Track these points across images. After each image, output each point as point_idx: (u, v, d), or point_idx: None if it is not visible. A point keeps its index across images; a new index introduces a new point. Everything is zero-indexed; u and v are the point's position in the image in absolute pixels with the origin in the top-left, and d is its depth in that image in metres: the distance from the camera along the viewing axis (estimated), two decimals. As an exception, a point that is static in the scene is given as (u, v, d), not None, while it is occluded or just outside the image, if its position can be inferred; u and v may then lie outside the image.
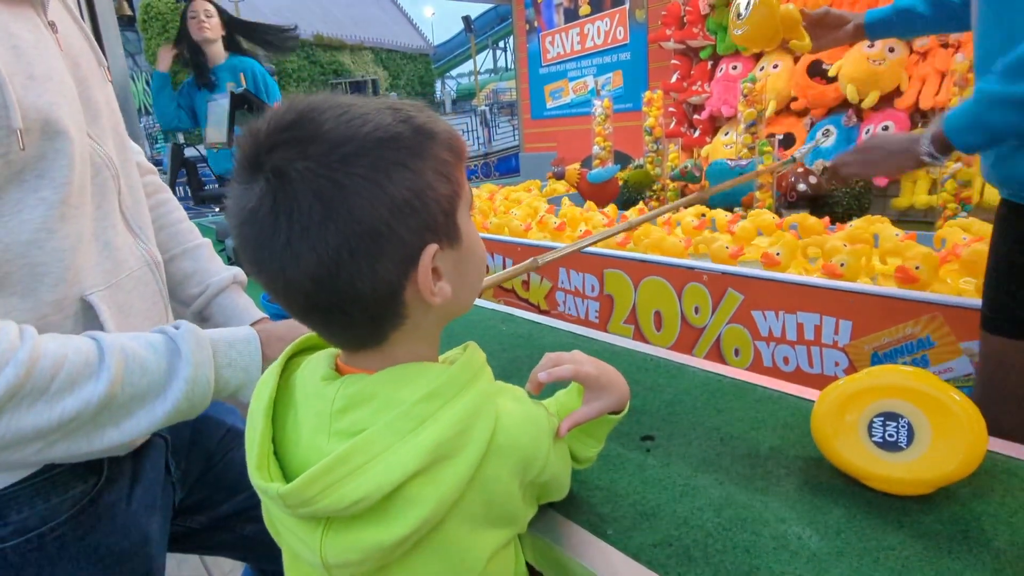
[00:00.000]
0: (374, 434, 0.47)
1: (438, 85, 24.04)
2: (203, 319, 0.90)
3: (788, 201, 2.84)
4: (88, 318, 0.65)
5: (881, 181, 2.92)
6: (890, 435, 0.70)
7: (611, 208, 2.71)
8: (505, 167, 8.36)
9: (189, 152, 2.75)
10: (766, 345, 1.66)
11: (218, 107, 2.19)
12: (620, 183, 3.49)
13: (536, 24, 4.82)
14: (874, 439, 0.71)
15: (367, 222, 0.44)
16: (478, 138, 13.32)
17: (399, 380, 0.50)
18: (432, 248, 0.47)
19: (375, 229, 0.44)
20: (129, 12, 3.81)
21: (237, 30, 2.74)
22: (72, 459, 0.61)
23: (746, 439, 0.86)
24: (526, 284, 2.40)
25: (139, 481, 0.72)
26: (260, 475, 0.48)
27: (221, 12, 2.75)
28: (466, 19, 13.34)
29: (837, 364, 1.52)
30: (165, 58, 2.79)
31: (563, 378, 0.60)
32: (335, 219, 0.44)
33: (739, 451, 0.83)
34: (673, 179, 3.23)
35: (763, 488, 0.74)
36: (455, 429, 0.48)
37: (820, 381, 0.77)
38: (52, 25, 0.64)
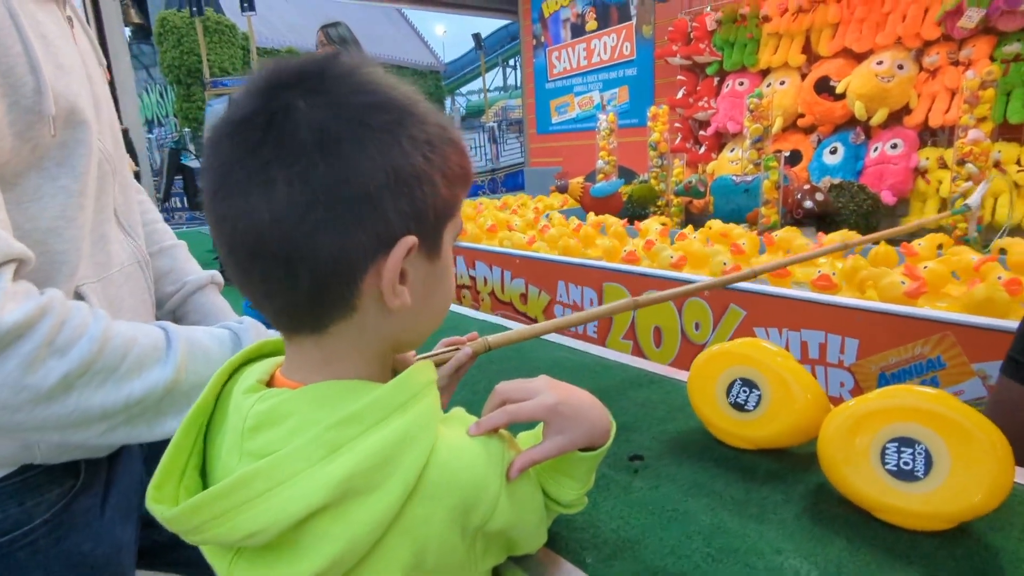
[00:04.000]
0: (280, 459, 0.40)
1: (448, 102, 24.23)
2: (177, 318, 0.88)
3: (794, 218, 2.78)
4: None
5: (889, 199, 2.86)
6: (905, 463, 0.64)
7: (653, 224, 2.63)
8: (512, 183, 8.36)
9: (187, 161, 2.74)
10: (769, 363, 1.59)
11: (215, 113, 2.17)
12: (624, 198, 3.44)
13: (543, 39, 4.82)
14: (887, 467, 0.65)
15: (360, 180, 0.40)
16: (486, 154, 13.37)
17: (320, 399, 0.44)
18: (411, 241, 0.43)
19: (365, 191, 0.40)
20: (137, 20, 3.82)
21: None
22: (136, 440, 0.61)
23: (742, 461, 0.79)
24: (524, 297, 2.34)
25: (114, 487, 0.70)
26: (155, 493, 0.42)
27: (330, 36, 3.09)
28: (476, 37, 13.39)
29: (843, 384, 1.45)
30: None
31: (498, 427, 0.50)
32: (329, 162, 0.39)
33: (734, 474, 0.76)
34: (677, 194, 3.18)
35: (759, 515, 0.67)
36: (373, 460, 0.41)
37: None
38: (69, 20, 0.66)
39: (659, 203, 3.44)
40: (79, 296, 0.63)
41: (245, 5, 10.34)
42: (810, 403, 0.76)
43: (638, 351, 1.94)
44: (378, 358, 0.49)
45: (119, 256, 0.70)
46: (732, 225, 2.46)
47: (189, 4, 12.04)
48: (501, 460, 0.48)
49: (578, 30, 4.55)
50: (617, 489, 0.74)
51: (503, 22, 5.48)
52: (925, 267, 1.68)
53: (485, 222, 2.71)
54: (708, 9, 3.71)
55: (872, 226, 2.79)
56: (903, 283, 1.51)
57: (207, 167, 0.43)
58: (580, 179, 3.36)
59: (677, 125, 3.87)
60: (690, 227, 2.48)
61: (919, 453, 0.63)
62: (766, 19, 3.43)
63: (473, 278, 2.54)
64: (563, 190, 3.37)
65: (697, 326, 1.76)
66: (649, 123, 3.44)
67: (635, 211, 3.39)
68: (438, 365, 0.77)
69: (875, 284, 1.60)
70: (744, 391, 0.80)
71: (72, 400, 0.53)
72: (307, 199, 0.40)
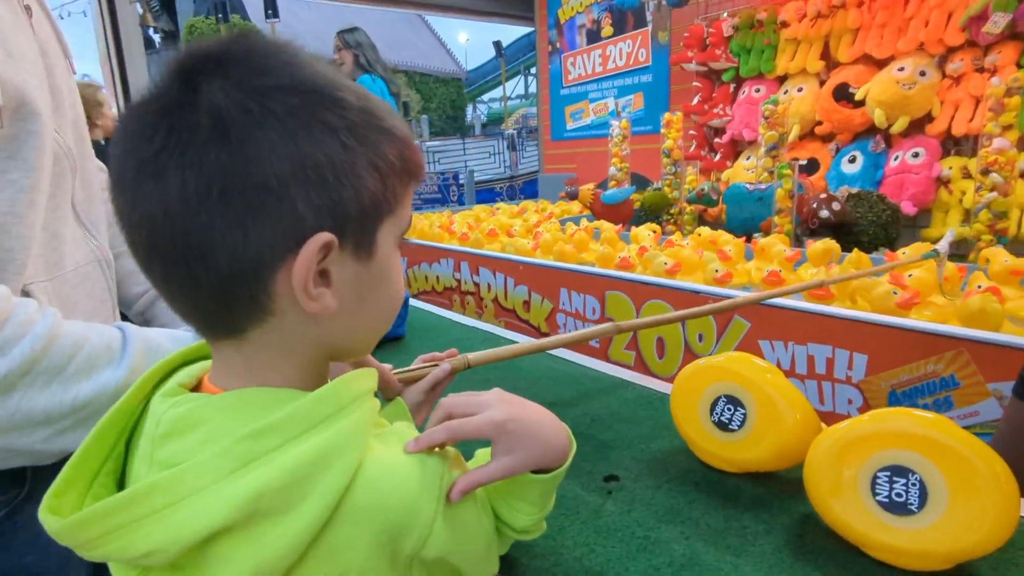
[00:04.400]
0: (184, 472, 0.37)
1: (469, 109, 24.36)
2: (146, 320, 0.86)
3: (810, 228, 2.70)
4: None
5: (910, 209, 2.76)
6: (898, 494, 0.58)
7: (644, 231, 2.58)
8: (530, 190, 8.36)
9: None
10: (774, 378, 1.52)
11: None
12: (636, 205, 3.38)
13: (558, 45, 4.78)
14: (878, 498, 0.59)
15: (261, 169, 0.36)
16: (504, 161, 13.46)
17: (236, 407, 0.40)
18: (324, 238, 0.39)
19: (265, 181, 0.37)
20: (153, 23, 3.87)
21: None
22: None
23: (725, 485, 0.73)
24: (527, 305, 2.29)
25: None
26: (52, 502, 0.38)
27: (346, 41, 3.23)
28: (497, 44, 13.48)
29: (851, 402, 1.38)
30: None
31: (438, 444, 0.45)
32: (226, 149, 0.36)
33: (714, 499, 0.71)
34: (690, 202, 3.11)
35: (736, 547, 0.62)
36: (287, 478, 0.37)
37: (831, 420, 0.66)
38: (27, 9, 0.63)
39: (672, 211, 3.37)
40: (27, 295, 0.60)
41: (269, 12, 10.53)
42: (799, 424, 0.71)
43: (640, 362, 1.88)
44: (309, 366, 0.45)
45: (74, 255, 0.67)
46: (720, 232, 2.40)
47: (215, 11, 12.27)
48: (439, 481, 0.43)
49: (594, 36, 4.50)
50: (587, 512, 0.69)
51: (525, 30, 5.48)
52: (910, 275, 1.62)
53: (486, 227, 2.67)
54: (725, 15, 3.64)
55: (891, 237, 2.70)
56: (895, 293, 1.44)
57: (110, 157, 0.39)
58: (591, 186, 3.31)
59: (692, 132, 3.80)
60: (678, 234, 2.42)
61: (913, 484, 0.57)
62: (784, 25, 3.36)
63: (477, 284, 2.50)
64: (573, 196, 3.32)
65: (701, 338, 1.70)
66: (663, 130, 3.38)
67: (647, 219, 3.32)
68: (414, 381, 0.73)
69: (866, 294, 1.52)
70: (728, 409, 0.74)
71: (13, 401, 0.51)
72: (200, 190, 0.36)
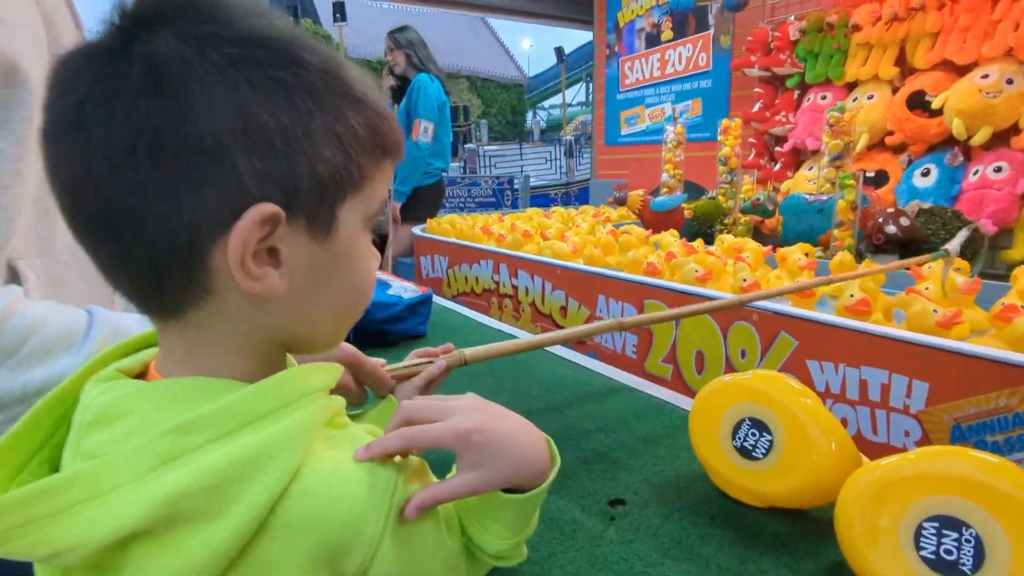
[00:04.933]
0: (102, 466, 0.33)
1: (529, 115, 24.45)
2: None
3: (874, 244, 2.51)
4: (12, 284, 0.59)
5: (990, 228, 2.54)
6: (948, 551, 0.49)
7: (669, 236, 2.48)
8: (585, 197, 8.28)
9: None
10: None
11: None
12: (688, 214, 3.25)
13: (616, 49, 4.68)
14: (923, 553, 0.49)
15: (194, 126, 0.32)
16: (561, 167, 13.47)
17: (168, 397, 0.36)
18: (267, 210, 0.34)
19: (201, 141, 0.32)
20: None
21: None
22: None
23: (744, 520, 0.65)
24: (564, 310, 2.21)
25: None
26: None
27: (398, 40, 3.34)
28: (559, 51, 13.44)
29: (908, 434, 1.25)
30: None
31: (391, 452, 0.39)
32: (154, 98, 0.32)
33: (730, 535, 0.62)
34: (744, 212, 2.96)
35: (748, 597, 0.53)
36: (211, 480, 0.33)
37: (884, 452, 0.57)
38: None
39: (725, 221, 3.22)
40: (12, 271, 0.58)
41: (337, 16, 10.82)
42: (833, 455, 0.61)
43: (678, 376, 1.78)
44: (259, 355, 0.40)
45: (67, 232, 0.67)
46: (745, 239, 2.27)
47: (287, 13, 12.72)
48: (390, 494, 0.38)
49: (653, 40, 4.38)
50: (584, 539, 0.62)
51: (588, 37, 5.41)
52: (927, 288, 1.49)
53: (523, 229, 2.61)
54: (791, 18, 3.47)
55: (966, 258, 2.48)
56: (936, 311, 1.30)
57: (48, 98, 0.35)
58: (640, 192, 3.20)
59: (751, 140, 3.63)
60: (700, 240, 2.29)
61: (967, 540, 0.48)
62: (856, 28, 3.16)
63: (515, 287, 2.44)
64: (621, 202, 3.22)
65: (743, 353, 1.58)
66: (720, 137, 3.24)
67: (699, 228, 3.19)
68: (408, 378, 0.69)
69: (904, 311, 1.38)
70: (753, 434, 0.66)
71: None
72: (126, 147, 0.32)
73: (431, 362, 0.68)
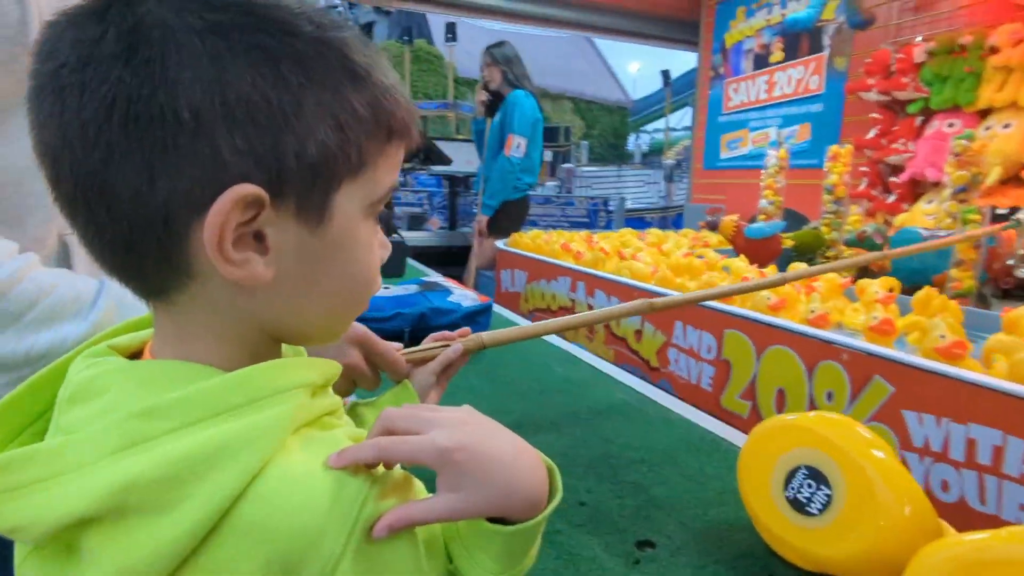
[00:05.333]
0: (68, 444, 0.32)
1: (632, 138, 24.26)
2: None
3: (1002, 289, 2.24)
4: (63, 258, 0.61)
5: None
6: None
7: (739, 262, 2.33)
8: (683, 222, 8.06)
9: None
10: (918, 459, 1.23)
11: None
12: (787, 244, 3.04)
13: (721, 71, 4.52)
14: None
15: (169, 96, 0.30)
16: (659, 191, 13.25)
17: (145, 378, 0.35)
18: (244, 190, 0.32)
19: (176, 113, 0.31)
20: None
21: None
22: None
23: (789, 584, 0.56)
24: (639, 335, 2.12)
25: None
26: None
27: (494, 56, 3.38)
28: (665, 73, 13.21)
29: (1023, 508, 1.07)
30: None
31: (362, 462, 0.35)
32: (128, 65, 0.30)
33: (769, 600, 0.54)
34: (848, 244, 2.73)
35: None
36: (166, 471, 0.31)
37: (991, 524, 0.47)
38: None
39: (828, 254, 2.99)
40: (64, 246, 0.60)
41: (449, 36, 11.25)
42: (904, 521, 0.52)
43: (756, 415, 1.65)
44: (246, 345, 0.38)
45: None
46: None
47: (403, 34, 13.43)
48: (357, 508, 0.34)
49: (761, 61, 4.19)
50: (599, 581, 0.56)
51: (696, 61, 5.29)
52: None
53: (601, 245, 2.54)
54: (919, 39, 3.20)
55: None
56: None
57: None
58: (735, 217, 3.04)
59: (863, 169, 3.36)
60: (773, 267, 2.12)
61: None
62: (993, 50, 2.86)
63: (591, 307, 2.38)
64: (713, 227, 3.07)
65: (830, 396, 1.43)
66: (827, 163, 3.02)
67: (797, 259, 2.98)
68: (424, 362, 0.66)
69: (1007, 356, 1.18)
70: (808, 485, 0.57)
71: None
72: (99, 116, 0.31)
73: (447, 346, 0.64)
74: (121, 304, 0.56)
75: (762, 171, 3.27)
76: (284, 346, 0.43)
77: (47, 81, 0.32)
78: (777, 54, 4.09)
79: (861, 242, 2.63)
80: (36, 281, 0.52)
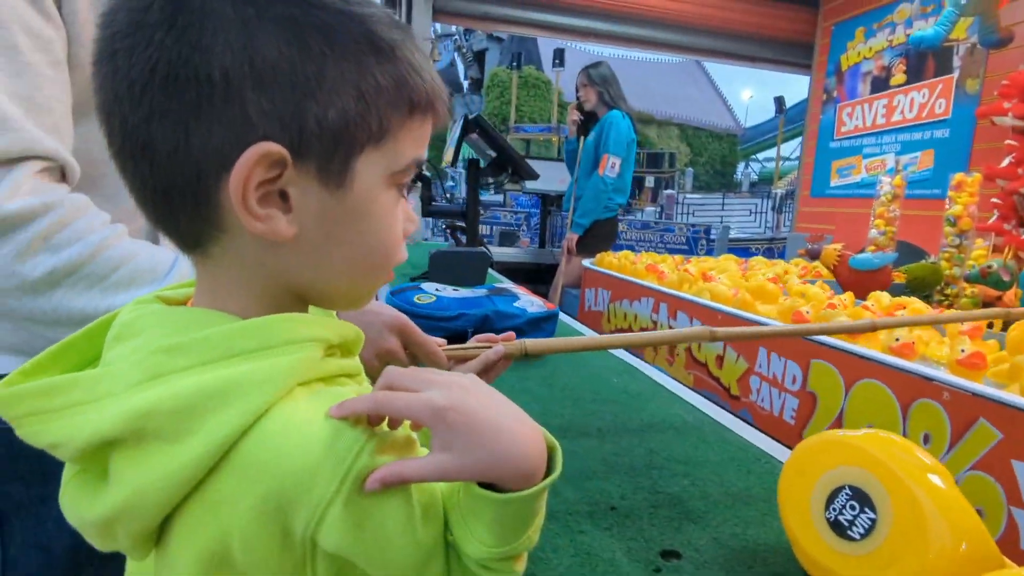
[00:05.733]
0: (104, 375, 0.36)
1: (740, 166, 23.44)
2: None
3: None
4: (151, 232, 0.69)
5: None
6: None
7: (815, 290, 2.15)
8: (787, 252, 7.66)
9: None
10: (1028, 517, 1.09)
11: (454, 130, 2.35)
12: (899, 278, 2.80)
13: (835, 94, 4.27)
14: None
15: (204, 59, 0.34)
16: (766, 221, 12.73)
17: (174, 322, 0.38)
18: (265, 148, 0.35)
19: (209, 74, 0.34)
20: (438, 57, 4.43)
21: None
22: None
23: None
24: (720, 360, 2.03)
25: None
26: (16, 376, 0.38)
27: (591, 77, 3.36)
28: (779, 100, 12.72)
29: None
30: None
31: (360, 413, 0.36)
32: (169, 31, 0.34)
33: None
34: (970, 281, 2.48)
35: None
36: (179, 403, 0.33)
37: None
38: None
39: (947, 291, 2.73)
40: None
41: (556, 62, 11.46)
42: (961, 558, 0.46)
43: (842, 454, 1.51)
44: (271, 300, 0.41)
45: None
46: (911, 298, 1.87)
47: (513, 60, 13.81)
48: (350, 458, 0.35)
49: (880, 84, 3.93)
50: (611, 583, 0.54)
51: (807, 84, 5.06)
52: None
53: (686, 267, 2.45)
54: (1066, 59, 2.89)
55: None
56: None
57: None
58: (838, 246, 2.83)
59: (995, 200, 3.05)
60: (850, 294, 1.92)
61: None
62: None
63: (672, 328, 2.30)
64: (814, 256, 2.87)
65: (927, 439, 1.30)
66: (951, 193, 2.77)
67: (911, 295, 2.73)
68: (465, 360, 0.67)
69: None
70: (852, 507, 0.52)
71: (56, 297, 0.56)
72: (144, 77, 0.35)
73: (489, 347, 0.65)
74: (190, 275, 0.61)
75: (874, 199, 3.05)
76: (314, 309, 0.45)
77: (105, 46, 0.36)
78: (899, 76, 3.82)
79: (985, 278, 2.37)
80: (120, 249, 0.58)
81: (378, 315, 0.64)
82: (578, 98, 3.48)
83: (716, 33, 5.41)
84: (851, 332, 1.44)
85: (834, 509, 0.53)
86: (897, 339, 1.41)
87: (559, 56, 10.88)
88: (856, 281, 2.77)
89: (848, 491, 0.53)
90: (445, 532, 0.41)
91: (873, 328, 1.30)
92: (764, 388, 1.82)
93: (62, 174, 0.59)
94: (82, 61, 0.60)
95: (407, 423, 0.41)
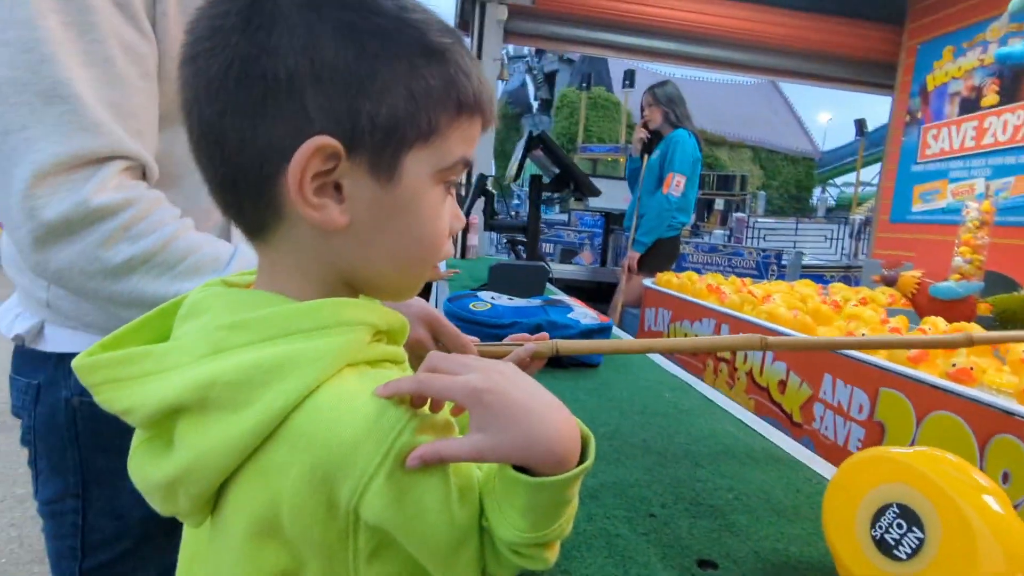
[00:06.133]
0: (173, 348, 0.40)
1: (817, 191, 22.56)
2: None
3: None
4: (224, 230, 0.75)
5: None
6: None
7: (868, 312, 2.03)
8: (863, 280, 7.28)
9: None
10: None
11: (518, 146, 2.39)
12: (985, 310, 2.63)
13: (919, 116, 4.07)
14: None
15: (271, 60, 0.37)
16: (842, 248, 12.18)
17: (236, 302, 0.42)
18: (321, 141, 0.38)
19: (275, 74, 0.37)
20: (506, 77, 4.51)
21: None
22: None
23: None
24: (783, 385, 1.96)
25: None
26: (92, 348, 0.42)
27: (656, 96, 3.36)
28: (859, 123, 12.19)
29: None
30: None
31: (403, 393, 0.38)
32: (243, 35, 0.38)
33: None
34: (1066, 315, 2.30)
35: None
36: (240, 375, 0.37)
37: None
38: None
39: (1040, 325, 2.54)
40: (228, 221, 0.75)
41: (626, 83, 11.43)
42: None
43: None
44: (324, 285, 0.45)
45: None
46: (970, 325, 1.73)
47: (582, 81, 13.89)
48: (393, 435, 0.37)
49: (970, 105, 3.72)
50: (643, 586, 0.54)
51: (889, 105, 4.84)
52: None
53: (751, 289, 2.38)
54: None
55: None
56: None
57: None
58: (917, 273, 2.69)
59: (1098, 229, 2.83)
60: (901, 318, 1.79)
61: None
62: None
63: (733, 352, 2.24)
64: (890, 283, 2.74)
65: (1006, 477, 1.21)
66: (1046, 220, 2.59)
67: (999, 328, 2.56)
68: (497, 357, 0.68)
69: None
70: (899, 526, 0.51)
71: (132, 282, 0.62)
72: (220, 75, 0.39)
73: (521, 345, 0.66)
74: (249, 265, 0.66)
75: (959, 226, 2.89)
76: (362, 297, 0.48)
77: (188, 50, 0.41)
78: (991, 97, 3.61)
79: (1083, 312, 2.20)
80: (188, 240, 0.64)
81: (408, 306, 0.67)
82: (643, 117, 3.47)
83: (792, 53, 5.28)
84: (915, 347, 1.36)
85: (880, 527, 0.51)
86: (954, 364, 1.33)
87: (629, 77, 10.87)
88: (937, 311, 2.62)
89: (896, 509, 0.51)
90: (480, 518, 0.42)
91: (971, 342, 1.22)
92: (828, 416, 1.74)
93: (143, 173, 0.65)
94: (170, 74, 0.66)
95: (447, 409, 0.43)
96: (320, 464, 0.36)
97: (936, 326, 1.73)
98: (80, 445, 0.74)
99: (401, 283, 0.47)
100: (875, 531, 0.52)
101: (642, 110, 3.47)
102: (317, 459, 0.36)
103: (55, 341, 0.74)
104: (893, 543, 0.50)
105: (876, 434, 1.56)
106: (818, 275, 7.84)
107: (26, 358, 0.76)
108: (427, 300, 0.90)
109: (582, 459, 0.40)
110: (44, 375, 0.74)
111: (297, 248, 0.42)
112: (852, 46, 4.95)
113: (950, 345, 1.25)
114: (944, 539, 0.47)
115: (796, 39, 5.10)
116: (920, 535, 0.49)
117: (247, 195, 0.41)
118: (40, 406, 0.75)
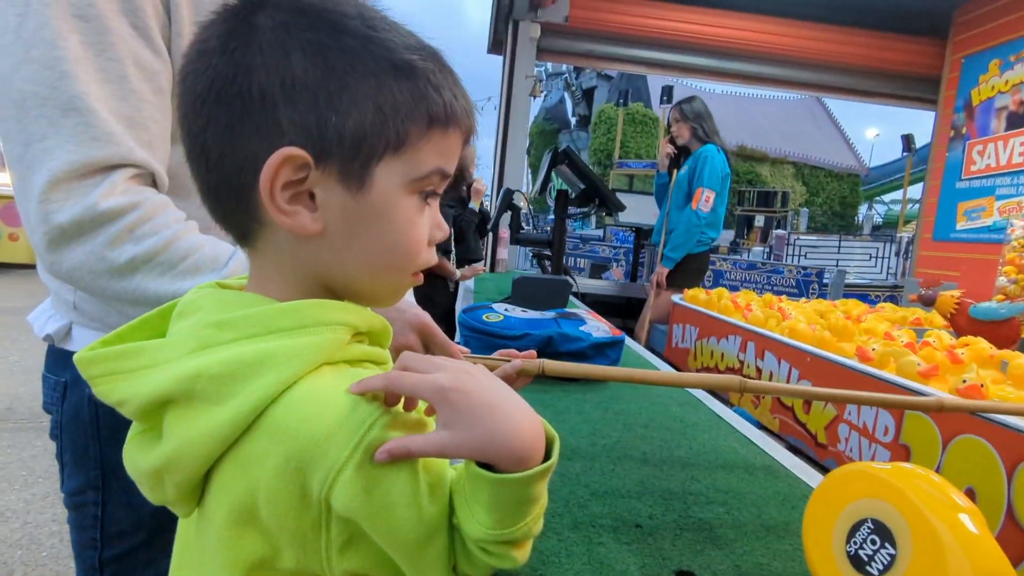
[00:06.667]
0: (166, 344, 0.43)
1: (863, 208, 21.93)
2: None
3: None
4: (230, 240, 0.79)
5: None
6: None
7: (879, 324, 1.96)
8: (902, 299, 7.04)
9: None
10: None
11: (543, 161, 2.42)
12: (1029, 332, 2.52)
13: (964, 131, 3.95)
14: None
15: (246, 78, 0.41)
16: (888, 267, 11.78)
17: (224, 302, 0.45)
18: (289, 152, 0.41)
19: (250, 90, 0.40)
20: (539, 93, 4.56)
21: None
22: None
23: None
24: (807, 405, 1.91)
25: None
26: (96, 343, 0.45)
27: (684, 112, 3.37)
28: (906, 138, 11.84)
29: None
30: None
31: (375, 390, 0.40)
32: (222, 56, 0.41)
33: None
34: (1116, 339, 2.19)
35: None
36: (222, 370, 0.39)
37: None
38: None
39: (1090, 349, 2.42)
40: None
41: (664, 99, 11.38)
42: None
43: (936, 515, 1.38)
44: (303, 289, 0.47)
45: None
46: (977, 340, 1.72)
47: (620, 98, 13.87)
48: (363, 429, 0.39)
49: (1017, 120, 3.59)
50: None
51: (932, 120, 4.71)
52: None
53: (780, 305, 2.33)
54: None
55: None
56: None
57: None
58: (956, 292, 2.60)
59: None
60: (937, 334, 1.73)
61: None
62: None
63: (759, 370, 2.20)
64: (928, 302, 2.64)
65: (1034, 505, 1.16)
66: (1097, 239, 2.48)
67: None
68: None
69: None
70: (872, 541, 0.50)
71: (135, 281, 0.65)
72: (203, 93, 0.42)
73: (508, 360, 0.68)
74: (245, 266, 0.70)
75: (1004, 244, 2.78)
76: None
77: (182, 71, 0.44)
78: (1040, 112, 3.49)
79: None
80: (189, 241, 0.68)
81: (401, 313, 0.68)
82: (671, 133, 3.46)
83: (832, 67, 5.18)
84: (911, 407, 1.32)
85: (855, 543, 0.51)
86: (964, 381, 1.29)
87: (667, 93, 10.79)
88: (977, 332, 2.52)
89: (871, 524, 0.50)
90: (451, 516, 0.43)
91: (894, 405, 1.17)
92: (853, 437, 1.70)
93: (153, 181, 0.70)
94: None
95: (422, 408, 0.45)
96: (294, 455, 0.38)
97: (941, 339, 1.69)
98: (101, 440, 0.79)
99: (376, 288, 0.49)
100: (850, 546, 0.51)
101: (669, 126, 3.46)
102: (291, 450, 0.38)
103: (81, 341, 0.79)
104: (866, 559, 0.50)
105: (901, 458, 1.51)
106: (862, 294, 7.60)
107: (55, 357, 0.81)
108: (452, 308, 0.92)
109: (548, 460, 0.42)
110: (71, 373, 0.79)
111: (278, 253, 0.45)
112: (894, 60, 4.83)
113: (920, 408, 1.22)
114: (915, 557, 0.47)
115: (837, 54, 5.02)
116: (892, 551, 0.48)
117: (229, 203, 0.44)
118: (66, 402, 0.79)
